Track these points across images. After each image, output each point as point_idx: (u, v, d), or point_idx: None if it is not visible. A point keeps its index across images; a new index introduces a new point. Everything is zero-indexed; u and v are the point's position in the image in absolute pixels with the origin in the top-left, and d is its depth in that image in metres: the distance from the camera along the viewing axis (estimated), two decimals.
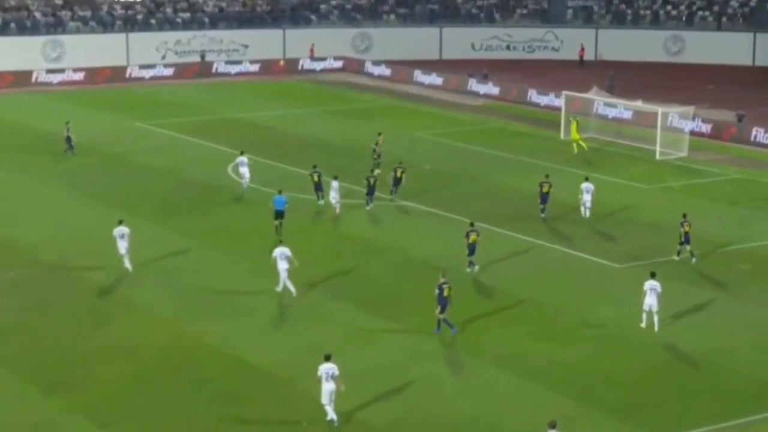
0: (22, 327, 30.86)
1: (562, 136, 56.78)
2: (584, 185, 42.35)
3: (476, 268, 35.72)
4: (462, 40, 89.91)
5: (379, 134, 50.23)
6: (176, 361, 28.58)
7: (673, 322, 31.71)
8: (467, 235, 35.54)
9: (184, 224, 41.06)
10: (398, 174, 45.27)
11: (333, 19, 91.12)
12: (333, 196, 42.06)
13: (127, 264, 35.37)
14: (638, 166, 52.47)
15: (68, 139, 53.26)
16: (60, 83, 76.75)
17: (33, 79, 76.28)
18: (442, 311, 30.18)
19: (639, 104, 59.90)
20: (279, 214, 39.33)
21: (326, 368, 24.86)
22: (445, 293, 30.09)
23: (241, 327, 31.02)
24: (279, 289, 33.37)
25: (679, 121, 58.40)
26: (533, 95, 70.44)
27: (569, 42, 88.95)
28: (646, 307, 30.81)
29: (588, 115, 60.11)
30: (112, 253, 37.21)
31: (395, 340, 30.26)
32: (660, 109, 56.31)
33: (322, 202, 43.73)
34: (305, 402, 25.82)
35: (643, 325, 30.92)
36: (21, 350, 29.15)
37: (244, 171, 46.22)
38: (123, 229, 35.51)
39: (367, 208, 43.77)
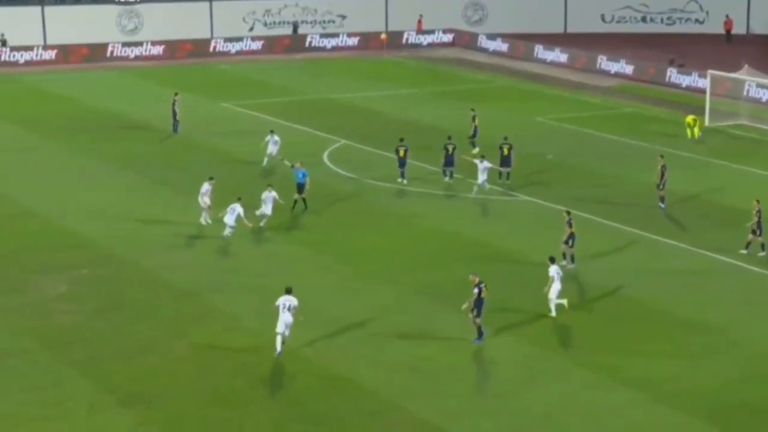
0: (97, 330, 31.85)
1: (707, 123, 56.22)
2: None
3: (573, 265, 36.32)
4: (590, 11, 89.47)
5: (472, 109, 52.35)
6: (263, 374, 29.22)
7: None
8: (569, 224, 36.28)
9: (272, 223, 41.40)
10: (505, 151, 45.58)
11: None
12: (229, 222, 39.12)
13: (206, 218, 40.26)
14: None
15: (174, 114, 55.30)
16: (136, 58, 78.54)
17: (108, 54, 78.26)
18: (480, 315, 30.54)
19: None
20: (300, 188, 41.68)
21: (284, 299, 29.23)
22: (483, 294, 30.46)
23: (340, 340, 31.33)
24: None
25: None
26: (673, 75, 69.89)
27: (715, 12, 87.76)
28: (554, 295, 32.15)
29: (737, 99, 59.39)
30: (192, 252, 38.23)
31: (509, 355, 30.55)
32: None
33: (403, 180, 45.43)
34: (408, 429, 26.28)
35: (553, 314, 32.14)
36: (96, 355, 30.10)
37: (272, 149, 48.65)
38: (207, 186, 40.28)
39: (446, 179, 45.45)
